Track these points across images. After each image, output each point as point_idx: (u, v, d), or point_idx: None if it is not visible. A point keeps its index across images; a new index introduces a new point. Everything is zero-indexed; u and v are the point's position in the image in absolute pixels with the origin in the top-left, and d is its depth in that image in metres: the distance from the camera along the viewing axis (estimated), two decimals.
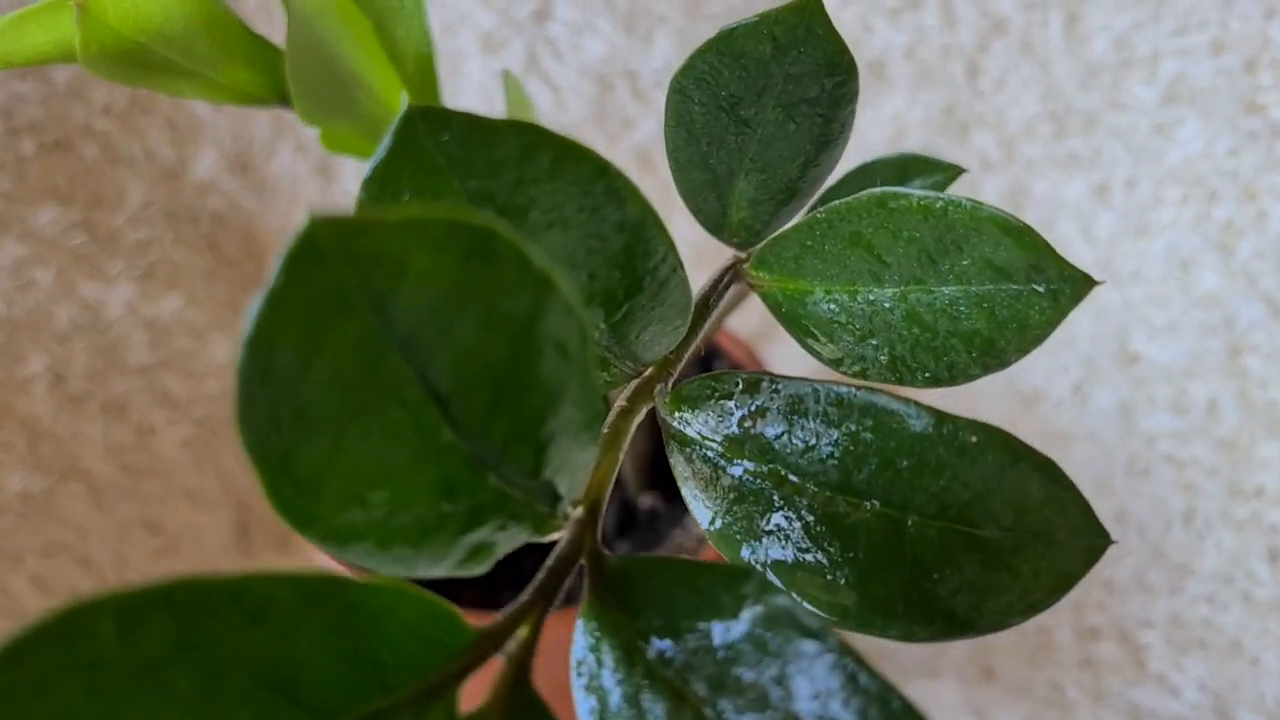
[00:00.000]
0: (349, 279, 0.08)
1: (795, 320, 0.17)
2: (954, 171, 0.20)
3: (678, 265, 0.13)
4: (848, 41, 0.16)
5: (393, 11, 0.25)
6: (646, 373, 0.15)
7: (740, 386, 0.14)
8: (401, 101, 0.09)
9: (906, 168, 0.21)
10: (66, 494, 0.47)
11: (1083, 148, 0.50)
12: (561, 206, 0.11)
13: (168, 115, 0.50)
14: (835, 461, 0.13)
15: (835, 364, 0.17)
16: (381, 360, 0.08)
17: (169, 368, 0.50)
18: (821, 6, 0.15)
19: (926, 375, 0.15)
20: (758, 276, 0.18)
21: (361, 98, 0.24)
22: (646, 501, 0.37)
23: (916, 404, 0.13)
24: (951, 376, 0.15)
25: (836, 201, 0.15)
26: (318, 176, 0.53)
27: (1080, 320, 0.48)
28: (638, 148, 0.55)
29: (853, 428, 0.13)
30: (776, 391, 0.13)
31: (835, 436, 0.13)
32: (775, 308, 0.17)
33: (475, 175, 0.11)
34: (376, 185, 0.11)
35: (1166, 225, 0.48)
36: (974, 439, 0.12)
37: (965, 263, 0.14)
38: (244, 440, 0.08)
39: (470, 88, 0.53)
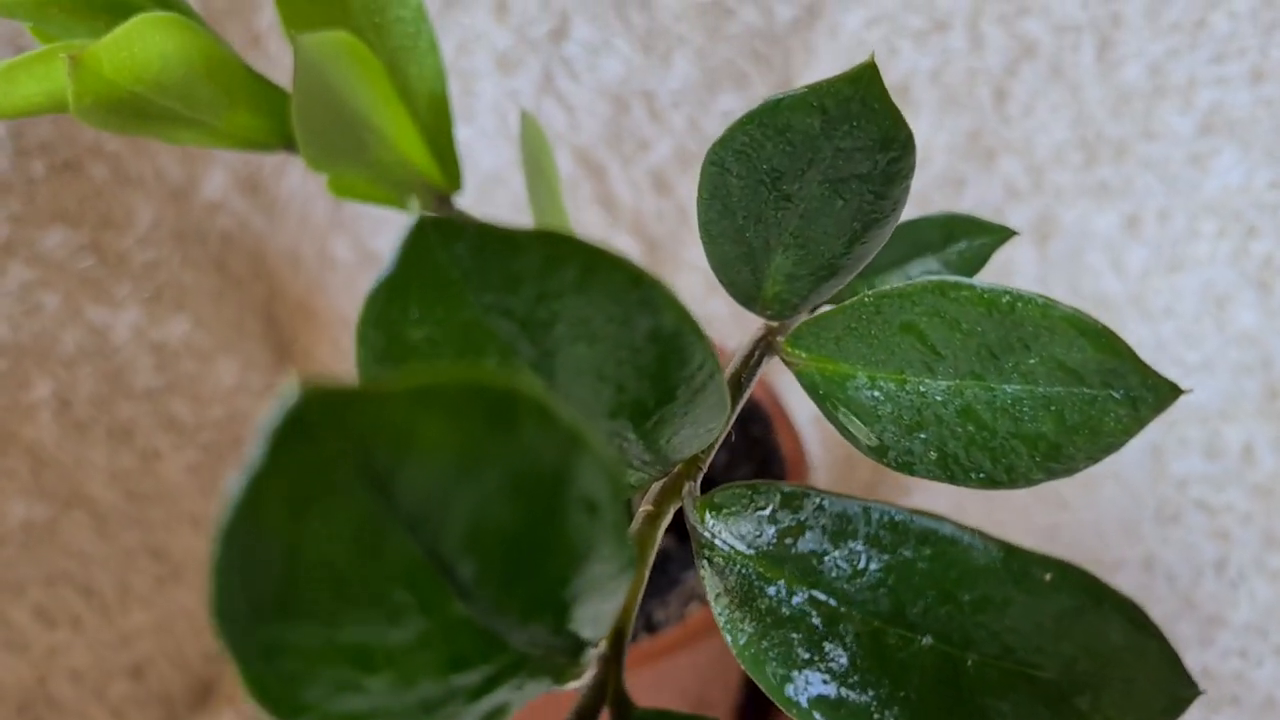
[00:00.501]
0: (345, 458, 0.06)
1: (833, 404, 0.16)
2: (1003, 234, 0.19)
3: (715, 371, 0.11)
4: None
5: (406, 51, 0.23)
6: (674, 470, 0.14)
7: (779, 499, 0.13)
8: (411, 206, 0.08)
9: (953, 228, 0.19)
10: (70, 522, 0.46)
11: (1114, 177, 0.48)
12: (590, 320, 0.10)
13: None
14: (887, 590, 0.12)
15: (876, 453, 0.16)
16: (383, 542, 0.07)
17: (175, 392, 0.49)
18: (879, 76, 0.13)
19: (981, 476, 0.14)
20: (794, 354, 0.16)
21: (371, 142, 0.23)
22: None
23: (983, 534, 0.12)
24: (1010, 479, 0.14)
25: (887, 287, 0.14)
26: (327, 197, 0.52)
27: None
28: (653, 169, 0.54)
29: (908, 555, 0.12)
30: (821, 509, 0.12)
31: (887, 562, 0.12)
32: (812, 389, 0.16)
33: (492, 289, 0.09)
34: (382, 299, 0.09)
35: (1201, 260, 0.46)
36: (1047, 576, 0.11)
37: (1032, 361, 0.13)
38: (219, 632, 0.07)
39: (483, 107, 0.52)
